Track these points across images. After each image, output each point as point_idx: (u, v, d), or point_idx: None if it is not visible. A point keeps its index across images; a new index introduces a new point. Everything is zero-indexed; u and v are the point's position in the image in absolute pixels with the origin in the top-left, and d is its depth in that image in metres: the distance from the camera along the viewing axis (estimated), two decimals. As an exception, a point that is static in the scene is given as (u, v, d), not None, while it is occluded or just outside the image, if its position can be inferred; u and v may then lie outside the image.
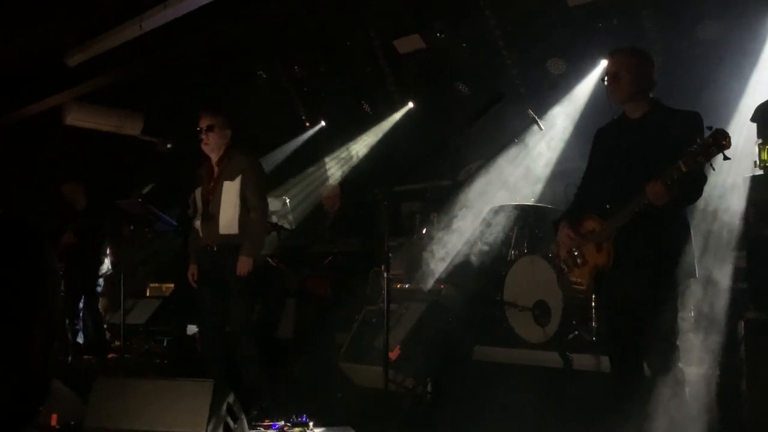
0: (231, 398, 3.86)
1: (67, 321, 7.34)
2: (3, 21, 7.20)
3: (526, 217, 6.29)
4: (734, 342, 4.07)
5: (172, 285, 8.74)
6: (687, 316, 4.37)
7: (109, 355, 7.57)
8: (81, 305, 7.61)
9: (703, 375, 4.06)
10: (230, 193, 5.07)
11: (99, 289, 7.85)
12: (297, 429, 4.43)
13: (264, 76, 9.37)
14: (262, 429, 4.46)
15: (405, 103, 8.92)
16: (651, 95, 3.66)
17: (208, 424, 3.62)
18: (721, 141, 3.07)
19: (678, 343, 3.54)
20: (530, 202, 6.49)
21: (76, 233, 7.53)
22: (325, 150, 9.91)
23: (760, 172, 4.45)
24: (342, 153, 9.80)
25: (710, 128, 3.14)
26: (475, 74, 8.11)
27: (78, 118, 9.33)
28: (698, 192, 3.49)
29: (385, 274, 4.05)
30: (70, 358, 7.26)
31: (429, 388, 5.19)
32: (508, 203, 6.42)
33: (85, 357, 7.46)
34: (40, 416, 3.99)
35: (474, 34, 7.77)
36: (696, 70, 6.19)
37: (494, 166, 6.63)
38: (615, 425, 3.52)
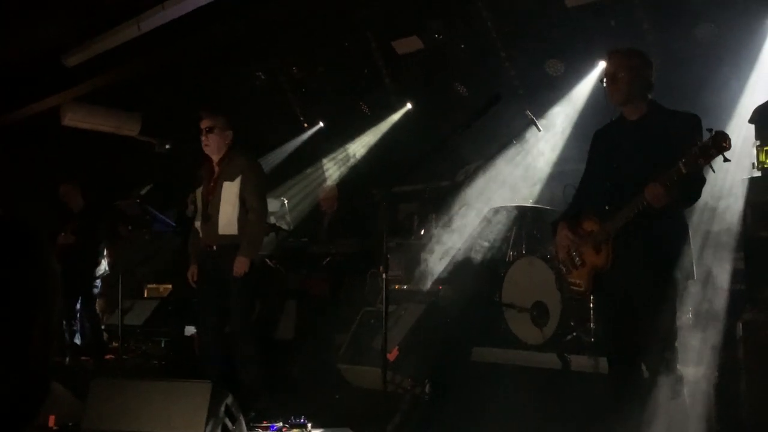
0: (229, 399, 3.85)
1: (65, 322, 7.31)
2: (2, 21, 7.17)
3: (524, 218, 6.29)
4: (732, 342, 4.06)
5: (170, 286, 8.71)
6: (685, 316, 4.39)
7: (107, 357, 7.55)
8: (78, 306, 7.59)
9: (701, 376, 4.05)
10: (230, 193, 5.07)
11: (96, 290, 7.82)
12: (295, 430, 4.43)
13: (262, 76, 9.35)
14: (261, 430, 4.46)
15: (403, 104, 8.92)
16: (649, 97, 3.66)
17: (206, 426, 3.61)
18: (721, 143, 3.07)
19: (676, 344, 3.54)
20: (529, 203, 6.48)
21: (73, 234, 7.52)
22: (323, 151, 9.91)
23: (758, 173, 4.45)
24: (340, 154, 9.79)
25: (710, 130, 3.14)
26: (474, 75, 8.10)
27: (76, 118, 9.32)
28: (697, 194, 3.49)
29: (384, 275, 4.04)
30: (67, 359, 7.24)
31: (427, 389, 5.19)
32: (507, 204, 6.42)
33: (83, 358, 7.45)
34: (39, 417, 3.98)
35: (472, 35, 7.76)
36: (694, 71, 6.18)
37: (493, 167, 6.63)
38: (613, 426, 3.52)
